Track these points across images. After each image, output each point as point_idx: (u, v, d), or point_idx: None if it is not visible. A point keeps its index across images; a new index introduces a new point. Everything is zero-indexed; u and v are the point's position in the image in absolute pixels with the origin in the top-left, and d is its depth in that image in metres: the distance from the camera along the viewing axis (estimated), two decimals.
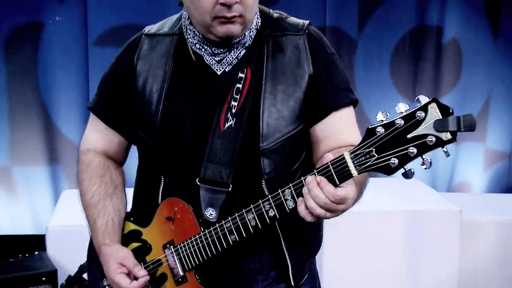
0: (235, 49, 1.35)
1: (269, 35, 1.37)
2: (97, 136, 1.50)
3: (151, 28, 1.45)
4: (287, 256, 1.39)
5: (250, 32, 1.36)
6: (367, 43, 3.38)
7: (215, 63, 1.36)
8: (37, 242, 2.80)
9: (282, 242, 1.36)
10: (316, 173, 1.16)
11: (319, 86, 1.34)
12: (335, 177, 1.14)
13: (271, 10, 1.44)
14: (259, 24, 1.39)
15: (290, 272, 1.39)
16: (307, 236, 1.44)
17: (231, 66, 1.36)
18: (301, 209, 1.16)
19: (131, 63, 1.41)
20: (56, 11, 3.06)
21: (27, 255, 2.69)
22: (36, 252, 2.68)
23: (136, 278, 1.38)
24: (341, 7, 3.33)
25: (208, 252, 1.32)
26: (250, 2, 1.27)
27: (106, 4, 3.10)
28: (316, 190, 1.14)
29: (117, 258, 1.38)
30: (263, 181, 1.33)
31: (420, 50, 3.42)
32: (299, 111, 1.34)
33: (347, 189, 1.14)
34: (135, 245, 1.43)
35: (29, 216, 3.22)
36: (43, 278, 2.46)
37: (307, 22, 1.41)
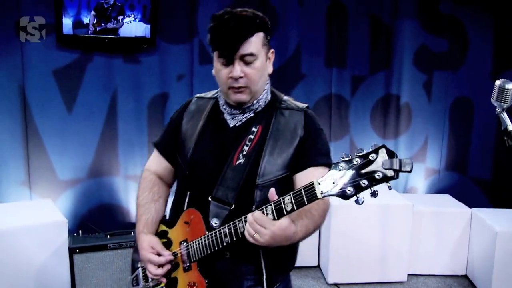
0: (246, 113, 1.46)
1: (278, 107, 1.46)
2: (154, 161, 1.66)
3: (202, 94, 1.61)
4: (263, 266, 1.43)
5: (258, 102, 1.45)
6: (356, 104, 4.03)
7: (230, 119, 1.47)
8: None
9: (261, 256, 1.40)
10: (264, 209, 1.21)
11: (305, 146, 1.41)
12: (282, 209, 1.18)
13: (282, 94, 1.54)
14: (268, 99, 1.48)
15: (264, 277, 1.42)
16: (282, 256, 1.44)
17: (240, 123, 1.46)
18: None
19: (181, 116, 1.57)
20: (175, 86, 3.65)
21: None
22: None
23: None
24: (340, 82, 3.97)
25: (208, 249, 1.35)
26: (254, 77, 1.35)
27: (204, 83, 3.59)
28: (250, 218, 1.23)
29: (150, 242, 1.49)
30: (253, 206, 1.37)
31: (387, 108, 4.07)
32: (288, 161, 1.40)
33: (280, 221, 1.19)
34: (162, 240, 1.53)
35: None
36: None
37: (306, 105, 1.50)
